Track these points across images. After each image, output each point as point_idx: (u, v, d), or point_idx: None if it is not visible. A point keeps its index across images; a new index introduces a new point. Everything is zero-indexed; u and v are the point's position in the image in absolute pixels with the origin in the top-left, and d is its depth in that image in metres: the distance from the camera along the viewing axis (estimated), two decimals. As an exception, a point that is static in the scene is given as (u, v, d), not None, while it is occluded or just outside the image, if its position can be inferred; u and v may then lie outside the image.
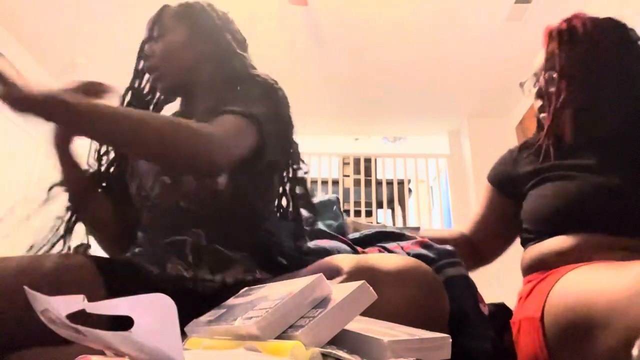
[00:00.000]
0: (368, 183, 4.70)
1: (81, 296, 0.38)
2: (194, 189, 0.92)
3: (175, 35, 1.04)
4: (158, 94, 1.13)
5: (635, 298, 0.63)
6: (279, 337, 0.45)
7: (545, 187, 1.02)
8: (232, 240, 0.90)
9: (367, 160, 4.80)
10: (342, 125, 4.88)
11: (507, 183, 1.16)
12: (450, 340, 0.46)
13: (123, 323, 0.36)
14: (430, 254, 0.97)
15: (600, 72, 1.02)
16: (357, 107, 4.50)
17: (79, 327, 0.37)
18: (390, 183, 4.72)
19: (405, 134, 5.30)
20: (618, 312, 0.65)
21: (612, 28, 1.06)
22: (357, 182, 4.72)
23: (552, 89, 1.05)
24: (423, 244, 1.01)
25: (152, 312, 0.33)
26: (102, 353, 0.40)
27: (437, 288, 0.66)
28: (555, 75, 1.05)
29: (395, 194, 4.63)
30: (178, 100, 1.17)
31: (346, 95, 4.28)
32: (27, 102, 0.68)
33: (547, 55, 1.08)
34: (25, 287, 0.43)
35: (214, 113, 0.90)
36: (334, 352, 0.41)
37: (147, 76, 1.09)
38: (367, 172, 4.76)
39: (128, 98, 1.09)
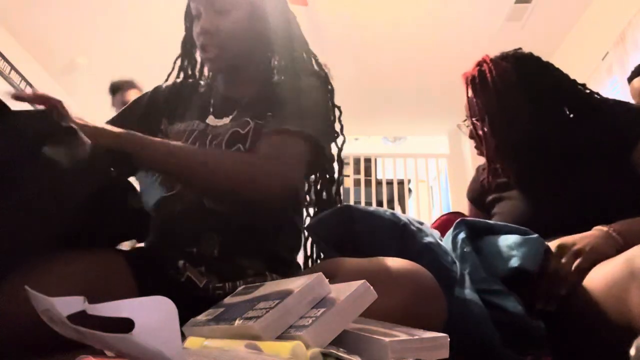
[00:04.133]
0: (368, 183, 4.70)
1: (82, 297, 0.38)
2: None
3: (240, 12, 0.95)
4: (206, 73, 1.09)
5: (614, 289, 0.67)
6: (279, 337, 0.45)
7: (499, 206, 1.13)
8: (247, 245, 0.88)
9: (367, 160, 4.80)
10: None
11: (477, 198, 1.24)
12: (448, 339, 0.46)
13: (125, 324, 0.36)
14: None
15: (513, 108, 1.06)
16: (357, 107, 4.49)
17: (80, 328, 0.37)
18: (390, 183, 4.74)
19: (405, 134, 5.30)
20: (611, 301, 0.69)
21: (519, 62, 1.11)
22: (357, 182, 4.73)
23: (480, 132, 1.12)
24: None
25: (153, 314, 0.33)
26: (102, 353, 0.40)
27: (432, 293, 0.63)
28: (476, 120, 1.12)
29: (395, 194, 4.64)
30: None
31: (346, 95, 4.25)
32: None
33: (468, 102, 1.14)
34: (27, 287, 0.43)
35: (268, 128, 0.89)
36: (334, 351, 0.41)
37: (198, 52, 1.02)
38: (367, 172, 4.77)
39: (180, 78, 1.07)
